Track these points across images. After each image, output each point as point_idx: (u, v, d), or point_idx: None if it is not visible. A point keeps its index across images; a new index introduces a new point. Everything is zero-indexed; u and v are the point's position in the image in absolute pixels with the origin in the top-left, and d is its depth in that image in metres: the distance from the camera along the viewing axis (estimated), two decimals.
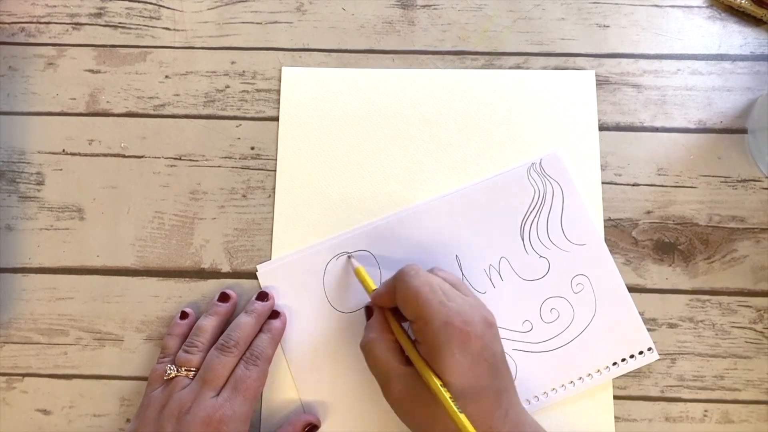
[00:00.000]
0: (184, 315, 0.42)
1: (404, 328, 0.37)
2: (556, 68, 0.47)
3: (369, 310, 0.38)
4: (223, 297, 0.42)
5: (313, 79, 0.47)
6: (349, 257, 0.42)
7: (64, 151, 0.46)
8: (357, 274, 0.41)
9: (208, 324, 0.40)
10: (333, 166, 0.45)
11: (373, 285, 0.40)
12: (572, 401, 0.41)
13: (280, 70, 0.47)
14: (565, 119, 0.45)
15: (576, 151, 0.45)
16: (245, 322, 0.40)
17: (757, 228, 0.44)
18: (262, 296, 0.42)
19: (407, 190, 0.45)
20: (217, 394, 0.37)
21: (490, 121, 0.46)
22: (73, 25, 0.48)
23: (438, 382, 0.33)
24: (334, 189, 0.45)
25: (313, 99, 0.46)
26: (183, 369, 0.38)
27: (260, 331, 0.41)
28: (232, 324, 0.40)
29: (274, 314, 0.42)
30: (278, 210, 0.45)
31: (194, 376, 0.38)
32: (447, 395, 0.32)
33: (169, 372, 0.38)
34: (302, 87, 0.46)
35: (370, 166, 0.45)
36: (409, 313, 0.35)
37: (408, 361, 0.36)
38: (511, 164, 0.45)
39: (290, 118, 0.46)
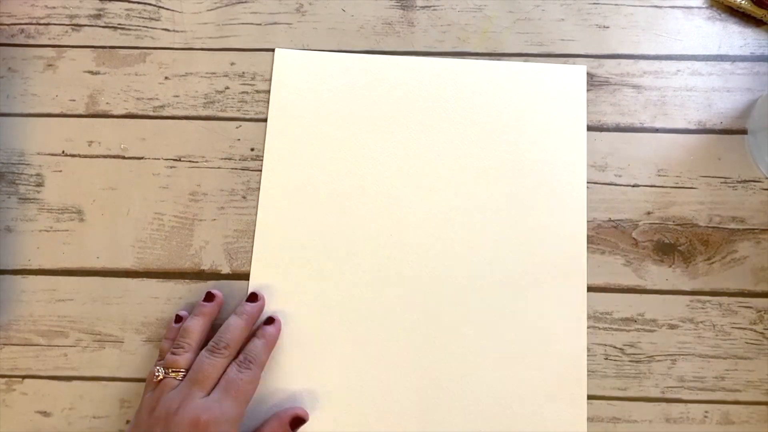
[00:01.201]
0: (178, 318, 0.42)
1: None
2: None
3: None
4: (209, 296, 0.42)
5: (307, 62, 0.47)
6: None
7: (63, 152, 0.46)
8: None
9: (194, 325, 0.40)
10: (324, 163, 0.45)
11: None
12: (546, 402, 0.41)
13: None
14: (554, 113, 0.45)
15: (562, 146, 0.45)
16: (235, 325, 0.40)
17: (757, 229, 0.44)
18: (252, 297, 0.42)
19: (398, 187, 0.45)
20: (207, 395, 0.37)
21: (485, 113, 0.46)
22: (73, 27, 0.48)
23: None
24: (324, 184, 0.45)
25: (307, 84, 0.46)
26: (171, 371, 0.38)
27: (254, 335, 0.41)
28: (222, 326, 0.40)
29: (269, 320, 0.42)
30: (261, 210, 0.44)
31: (183, 377, 0.38)
32: None
33: (157, 374, 0.38)
34: (296, 72, 0.46)
35: (363, 159, 0.45)
36: None
37: None
38: (500, 156, 0.45)
39: (282, 106, 0.46)
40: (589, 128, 0.46)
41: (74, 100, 0.47)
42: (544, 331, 0.42)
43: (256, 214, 0.45)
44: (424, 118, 0.46)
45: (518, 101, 0.46)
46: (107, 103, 0.47)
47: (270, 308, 0.43)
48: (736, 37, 0.47)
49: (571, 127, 0.45)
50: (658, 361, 0.42)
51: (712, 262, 0.44)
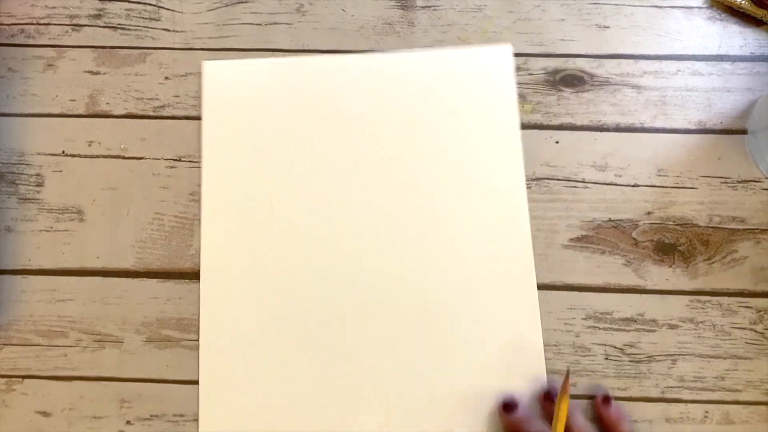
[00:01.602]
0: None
1: None
2: (555, 70, 0.47)
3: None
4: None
5: (236, 72, 0.46)
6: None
7: (63, 152, 0.46)
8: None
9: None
10: (261, 176, 0.45)
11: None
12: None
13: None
14: (481, 100, 0.45)
15: (495, 144, 0.45)
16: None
17: (757, 229, 0.44)
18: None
19: (334, 194, 0.44)
20: None
21: (410, 107, 0.46)
22: (73, 27, 0.48)
23: None
24: (263, 195, 0.44)
25: (240, 96, 0.46)
26: None
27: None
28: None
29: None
30: (205, 211, 0.44)
31: None
32: None
33: None
34: (227, 84, 0.46)
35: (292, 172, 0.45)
36: None
37: None
38: (427, 151, 0.45)
39: (215, 118, 0.46)
40: (590, 128, 0.46)
41: (74, 100, 0.47)
42: (500, 332, 0.42)
43: None
44: (349, 118, 0.45)
45: (442, 91, 0.46)
46: (107, 103, 0.47)
47: (221, 310, 0.43)
48: (736, 37, 0.47)
49: (502, 117, 0.45)
50: (658, 361, 0.42)
51: (712, 262, 0.44)
